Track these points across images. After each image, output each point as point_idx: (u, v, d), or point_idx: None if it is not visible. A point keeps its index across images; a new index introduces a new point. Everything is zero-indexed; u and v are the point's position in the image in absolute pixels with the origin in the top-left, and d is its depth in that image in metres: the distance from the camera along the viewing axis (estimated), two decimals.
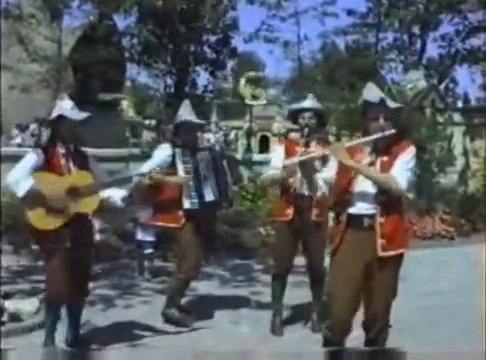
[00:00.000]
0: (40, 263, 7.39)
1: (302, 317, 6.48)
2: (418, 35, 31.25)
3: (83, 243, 5.16)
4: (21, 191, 4.91)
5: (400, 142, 4.33)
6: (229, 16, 20.42)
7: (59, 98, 5.34)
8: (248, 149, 21.69)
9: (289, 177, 5.74)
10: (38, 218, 4.95)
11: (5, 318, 6.00)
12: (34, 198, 4.91)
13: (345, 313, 4.29)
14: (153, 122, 23.20)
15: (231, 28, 20.92)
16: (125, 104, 26.05)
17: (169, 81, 20.52)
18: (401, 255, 4.36)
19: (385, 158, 4.26)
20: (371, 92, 4.34)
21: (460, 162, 17.00)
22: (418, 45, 31.51)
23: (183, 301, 6.72)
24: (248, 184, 13.27)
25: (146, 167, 6.14)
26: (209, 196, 6.34)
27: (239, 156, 16.71)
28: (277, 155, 6.09)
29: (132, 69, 21.89)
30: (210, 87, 22.09)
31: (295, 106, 6.32)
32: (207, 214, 6.62)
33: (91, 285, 7.69)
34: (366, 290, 4.29)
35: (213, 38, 20.91)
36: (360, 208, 4.25)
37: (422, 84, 20.19)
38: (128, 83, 25.22)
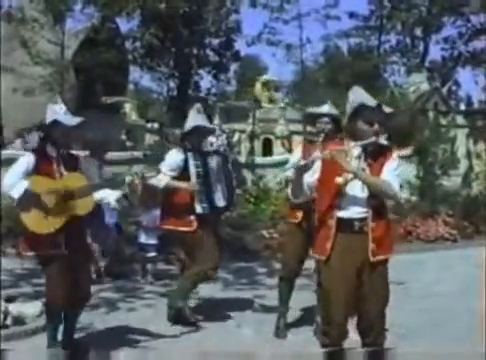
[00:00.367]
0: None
1: (306, 320, 6.46)
2: (420, 37, 31.24)
3: (80, 246, 5.16)
4: (16, 195, 4.90)
5: (385, 149, 4.34)
6: (232, 19, 20.45)
7: (52, 101, 5.29)
8: (251, 152, 21.67)
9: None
10: (34, 222, 4.94)
11: (9, 321, 6.01)
12: (29, 202, 4.90)
13: (341, 317, 4.28)
14: (156, 125, 23.20)
15: (234, 31, 20.95)
16: (128, 107, 26.04)
17: (172, 84, 20.61)
18: (387, 259, 4.35)
19: (373, 164, 4.26)
20: (364, 95, 4.32)
21: (463, 164, 17.00)
22: (421, 47, 31.51)
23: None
24: (251, 187, 13.28)
25: (161, 173, 6.29)
26: (219, 201, 6.47)
27: (243, 159, 16.72)
28: (295, 157, 6.14)
29: (135, 72, 21.97)
30: (213, 90, 22.16)
31: (313, 111, 6.42)
32: (215, 218, 6.68)
33: (94, 288, 7.76)
34: (358, 295, 4.27)
35: (216, 41, 20.95)
36: (351, 212, 4.23)
37: (425, 87, 20.20)
38: (131, 86, 25.28)
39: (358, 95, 4.33)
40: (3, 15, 15.82)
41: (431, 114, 18.11)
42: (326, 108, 6.14)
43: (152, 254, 8.86)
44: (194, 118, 6.50)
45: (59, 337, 5.30)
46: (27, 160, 5.03)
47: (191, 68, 20.07)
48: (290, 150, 26.87)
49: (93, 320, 6.43)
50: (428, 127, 16.36)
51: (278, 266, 9.60)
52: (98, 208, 7.85)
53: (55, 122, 5.05)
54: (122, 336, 6.05)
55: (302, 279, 6.66)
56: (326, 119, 6.02)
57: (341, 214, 4.24)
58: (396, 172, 4.28)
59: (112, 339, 5.94)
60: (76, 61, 18.51)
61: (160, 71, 20.53)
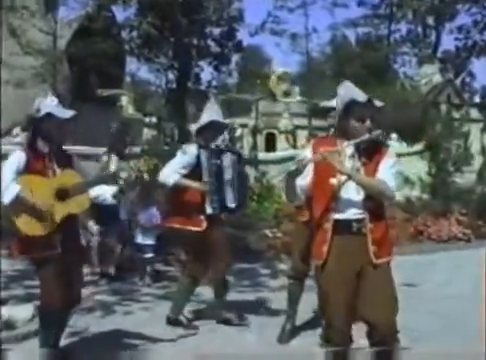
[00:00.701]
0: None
1: (315, 324, 6.46)
2: (433, 26, 31.28)
3: (74, 246, 5.17)
4: (8, 198, 4.88)
5: (379, 146, 4.33)
6: (234, 7, 20.42)
7: (41, 95, 5.27)
8: (254, 147, 21.70)
9: None
10: (27, 224, 4.92)
11: None
12: (21, 203, 4.88)
13: (341, 323, 4.30)
14: (154, 119, 23.22)
15: (236, 20, 20.93)
16: (124, 100, 26.10)
17: (170, 76, 20.56)
18: (389, 261, 4.36)
19: (368, 163, 4.26)
20: (354, 91, 4.29)
21: (477, 161, 16.97)
22: (433, 37, 31.56)
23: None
24: (254, 184, 13.27)
25: (169, 168, 6.33)
26: (230, 202, 6.48)
27: (246, 155, 16.73)
28: (306, 154, 6.15)
29: (132, 63, 21.99)
30: (214, 82, 22.12)
31: (325, 104, 6.42)
32: (225, 218, 6.71)
33: (89, 291, 7.78)
34: (362, 299, 4.26)
35: (217, 31, 20.91)
36: (347, 213, 4.24)
37: (437, 78, 20.22)
38: (127, 78, 25.32)
39: (348, 90, 4.30)
40: None
41: (444, 107, 18.13)
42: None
43: (149, 255, 8.89)
44: (210, 112, 6.49)
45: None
46: (17, 158, 4.98)
47: (191, 59, 20.04)
48: (294, 145, 26.92)
49: (88, 324, 6.45)
50: (440, 121, 16.35)
51: (282, 267, 9.66)
52: (116, 205, 7.93)
53: (48, 115, 5.04)
54: (118, 340, 6.07)
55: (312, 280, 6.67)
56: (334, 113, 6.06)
57: (337, 216, 4.25)
58: (393, 170, 4.27)
59: (108, 344, 5.95)
60: (69, 51, 18.52)
61: (158, 62, 20.50)
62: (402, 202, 14.47)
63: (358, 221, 4.22)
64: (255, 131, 24.33)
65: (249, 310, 7.13)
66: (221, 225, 6.56)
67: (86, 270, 8.37)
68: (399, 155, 15.49)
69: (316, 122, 25.34)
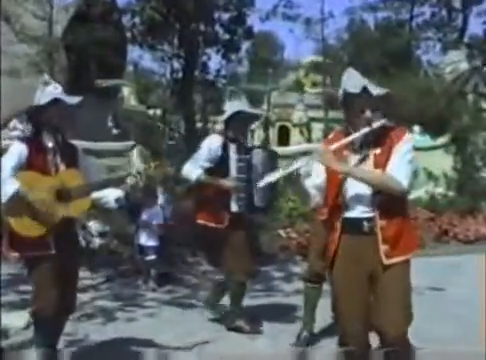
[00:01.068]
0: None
1: (333, 331, 6.43)
2: (459, 9, 31.14)
3: (70, 249, 5.14)
4: (5, 195, 4.84)
5: (394, 130, 4.23)
6: None
7: (42, 82, 5.20)
8: (266, 141, 21.71)
9: None
10: (22, 224, 4.90)
11: None
12: (18, 202, 4.86)
13: (354, 329, 4.27)
14: (158, 112, 23.25)
15: (246, 4, 20.95)
16: (126, 91, 26.12)
17: (176, 65, 20.63)
18: (409, 261, 4.26)
19: (378, 151, 4.17)
20: (351, 80, 4.24)
21: None
22: (459, 21, 31.39)
23: (193, 311, 6.75)
24: None
25: (192, 162, 6.36)
26: (258, 202, 6.45)
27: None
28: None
29: (134, 52, 22.06)
30: (222, 72, 22.15)
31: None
32: (252, 219, 6.70)
33: (89, 296, 7.80)
34: (372, 304, 4.21)
35: (226, 16, 20.96)
36: (357, 211, 4.19)
37: (463, 66, 20.13)
38: (130, 68, 25.36)
39: (345, 80, 4.27)
40: None
41: (471, 97, 18.05)
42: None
43: (151, 257, 8.90)
44: (234, 102, 6.51)
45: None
46: (19, 152, 4.93)
47: (198, 47, 20.08)
48: (309, 139, 26.92)
49: (88, 331, 6.46)
50: (467, 112, 16.30)
51: (296, 270, 9.65)
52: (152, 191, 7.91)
53: (54, 101, 4.94)
54: (121, 350, 6.07)
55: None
56: None
57: (346, 214, 4.22)
58: (407, 156, 4.15)
59: (109, 353, 5.96)
60: (66, 39, 18.50)
61: (162, 50, 20.56)
62: (426, 200, 14.44)
63: (368, 220, 4.16)
64: (267, 124, 24.32)
65: (261, 316, 7.11)
66: (245, 226, 6.52)
67: (85, 273, 8.43)
68: (422, 149, 15.51)
69: (332, 114, 25.37)
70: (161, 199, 9.24)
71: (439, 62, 24.85)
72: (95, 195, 5.21)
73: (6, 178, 4.81)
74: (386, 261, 4.13)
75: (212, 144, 6.43)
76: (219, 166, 6.36)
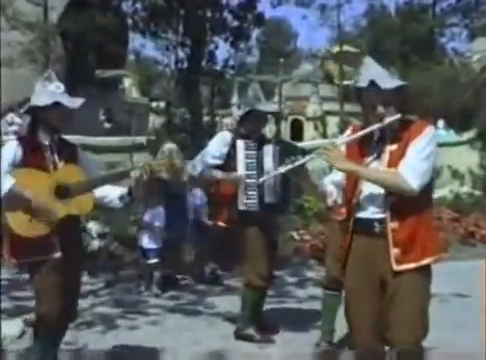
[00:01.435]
0: (24, 276, 7.39)
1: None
2: None
3: (75, 251, 5.17)
4: (3, 193, 4.88)
5: (413, 124, 4.15)
6: None
7: (44, 78, 5.25)
8: (277, 136, 21.72)
9: None
10: (21, 223, 4.94)
11: None
12: (16, 200, 4.90)
13: (365, 338, 4.22)
14: (161, 104, 23.28)
15: None
16: (128, 82, 26.18)
17: (181, 54, 20.60)
18: (427, 267, 4.17)
19: (394, 147, 4.11)
20: (363, 72, 4.22)
21: None
22: None
23: (199, 318, 6.76)
24: None
25: (199, 157, 6.48)
26: (271, 199, 6.48)
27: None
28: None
29: (136, 40, 22.09)
30: (231, 61, 22.12)
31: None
32: (267, 218, 6.69)
33: (88, 302, 7.82)
34: (385, 311, 4.13)
35: (234, 1, 20.94)
36: (369, 211, 4.16)
37: None
38: (131, 57, 25.38)
39: (362, 71, 4.25)
40: None
41: None
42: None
43: (153, 261, 8.92)
44: (252, 99, 6.57)
45: None
46: (13, 149, 4.97)
47: (204, 35, 20.07)
48: (324, 134, 26.93)
49: (88, 340, 6.49)
50: None
51: (311, 274, 9.66)
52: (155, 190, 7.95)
53: (55, 105, 4.98)
54: (122, 359, 6.10)
55: None
56: None
57: (359, 214, 4.20)
58: (424, 152, 4.04)
59: None
60: (63, 26, 18.53)
61: (166, 38, 20.55)
62: (450, 199, 14.43)
63: (380, 221, 4.11)
64: (279, 117, 24.29)
65: (273, 324, 7.12)
66: (257, 225, 6.49)
67: (84, 278, 8.47)
68: (446, 145, 15.48)
69: (349, 107, 25.33)
70: (196, 198, 9.24)
71: (465, 50, 24.86)
72: (98, 195, 5.24)
73: (3, 175, 4.85)
74: (396, 267, 4.06)
75: (220, 141, 6.53)
76: (227, 163, 6.44)
